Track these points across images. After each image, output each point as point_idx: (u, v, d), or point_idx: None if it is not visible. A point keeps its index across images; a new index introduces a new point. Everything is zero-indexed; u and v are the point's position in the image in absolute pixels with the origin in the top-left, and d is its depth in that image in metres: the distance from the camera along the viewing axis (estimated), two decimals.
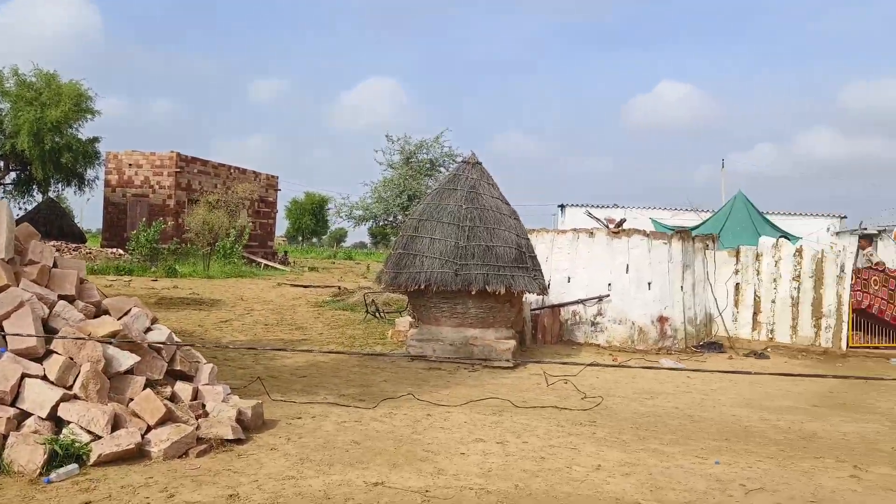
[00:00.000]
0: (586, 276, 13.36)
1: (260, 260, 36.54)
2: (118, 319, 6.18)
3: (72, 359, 5.49)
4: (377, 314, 15.31)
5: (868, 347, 13.58)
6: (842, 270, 13.40)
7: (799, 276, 13.59)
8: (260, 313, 15.77)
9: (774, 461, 6.14)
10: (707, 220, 21.06)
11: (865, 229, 22.22)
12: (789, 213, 25.92)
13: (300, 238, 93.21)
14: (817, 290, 13.50)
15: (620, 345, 13.07)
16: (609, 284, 13.21)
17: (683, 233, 13.81)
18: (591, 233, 13.52)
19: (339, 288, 24.74)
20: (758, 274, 13.85)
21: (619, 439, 6.66)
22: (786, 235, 18.90)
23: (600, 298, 13.14)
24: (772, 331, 13.72)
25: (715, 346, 13.44)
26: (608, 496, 5.01)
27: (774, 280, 13.72)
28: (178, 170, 35.94)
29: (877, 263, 14.07)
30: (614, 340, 13.14)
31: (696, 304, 13.72)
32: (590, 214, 20.77)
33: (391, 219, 13.56)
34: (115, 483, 4.81)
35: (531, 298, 12.64)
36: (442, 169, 13.19)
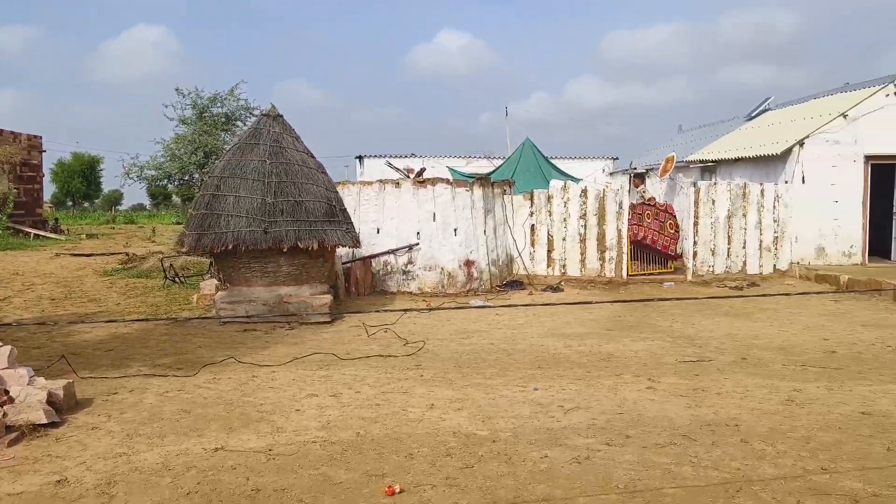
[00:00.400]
0: (395, 226, 13.60)
1: (28, 230, 32.98)
2: None
3: None
4: (176, 279, 14.53)
5: (645, 274, 15.20)
6: (620, 207, 14.79)
7: (585, 214, 14.80)
8: (43, 287, 14.33)
9: (583, 382, 6.79)
10: (500, 166, 22.16)
11: (636, 168, 24.51)
12: (570, 157, 27.88)
13: (70, 203, 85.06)
14: (601, 226, 14.81)
15: (432, 290, 13.53)
16: (417, 233, 13.56)
17: (483, 180, 14.45)
18: (398, 184, 13.73)
19: (127, 255, 23.06)
20: (550, 215, 14.90)
21: (445, 378, 6.99)
22: (569, 178, 20.43)
23: (410, 247, 13.46)
24: (564, 266, 14.89)
25: (516, 284, 14.35)
26: (445, 431, 5.29)
27: (564, 219, 14.85)
28: None
29: (649, 199, 15.69)
30: (425, 287, 13.57)
31: (499, 247, 14.51)
32: (390, 165, 21.01)
33: (187, 177, 12.77)
34: None
35: (342, 252, 12.65)
36: (239, 123, 12.61)
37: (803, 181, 15.34)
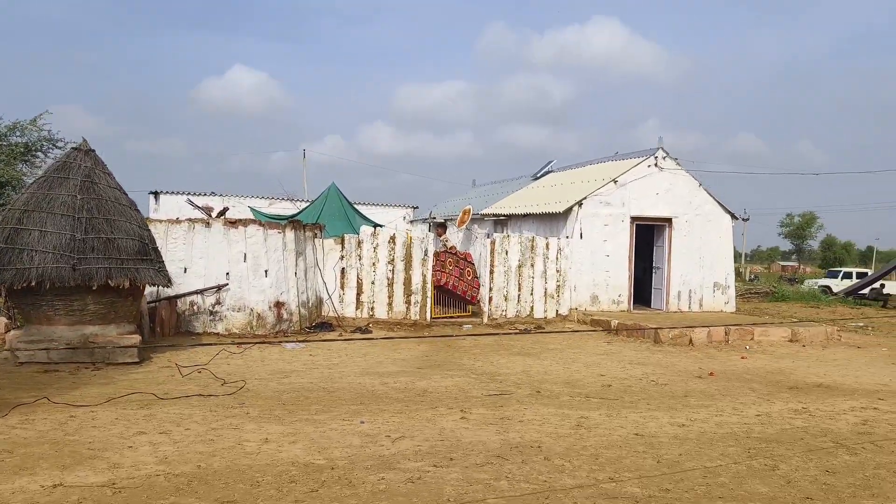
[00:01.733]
0: (203, 265, 13.49)
1: None
2: None
3: None
4: None
5: (446, 317, 16.27)
6: (425, 254, 15.79)
7: (393, 259, 15.62)
8: None
9: (404, 415, 7.41)
10: (304, 209, 22.48)
11: (434, 218, 26.04)
12: (372, 203, 28.83)
13: None
14: (407, 272, 15.69)
15: (240, 331, 13.53)
16: (227, 273, 13.54)
17: (295, 222, 14.78)
18: (208, 223, 13.66)
19: None
20: (360, 259, 15.53)
21: (272, 415, 7.28)
22: (373, 224, 21.27)
23: (219, 288, 13.40)
24: (372, 308, 15.54)
25: (326, 326, 14.74)
26: (284, 461, 5.64)
27: (374, 264, 15.55)
28: None
29: (451, 247, 16.88)
30: (233, 328, 13.54)
31: (309, 289, 14.85)
32: (191, 202, 20.59)
33: None
34: None
35: (147, 291, 12.32)
36: (40, 154, 11.90)
37: (581, 237, 17.37)
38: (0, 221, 10.07)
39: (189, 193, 24.01)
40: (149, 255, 10.58)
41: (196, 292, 13.30)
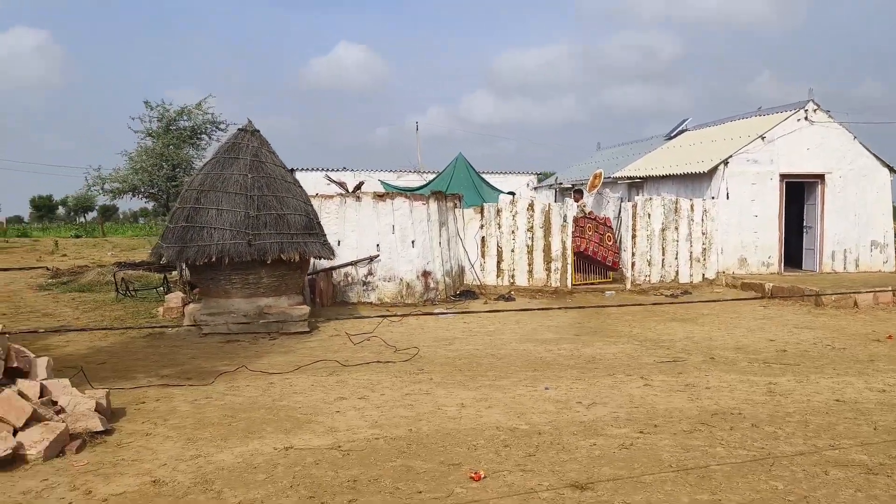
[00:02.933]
0: (355, 238, 13.91)
1: None
2: None
3: None
4: (128, 293, 14.30)
5: (587, 284, 16.12)
6: (564, 220, 15.65)
7: (532, 227, 15.58)
8: None
9: (584, 381, 7.42)
10: (432, 180, 22.72)
11: (561, 184, 25.72)
12: (495, 172, 28.79)
13: None
14: (546, 239, 15.62)
15: (391, 300, 13.92)
16: (377, 245, 13.92)
17: (438, 194, 14.97)
18: (358, 197, 14.07)
19: (48, 268, 22.20)
20: (499, 227, 15.59)
21: (454, 381, 7.46)
22: (499, 192, 21.25)
23: (371, 259, 13.81)
24: (513, 276, 15.61)
25: (470, 294, 14.93)
26: (489, 426, 5.77)
27: (513, 231, 15.57)
28: None
29: (589, 213, 16.65)
30: (385, 297, 13.94)
31: (452, 258, 15.06)
32: (328, 178, 21.23)
33: (154, 190, 12.60)
34: (11, 492, 4.40)
35: None
36: (205, 136, 12.62)
37: (727, 197, 16.69)
38: (179, 202, 10.75)
39: (325, 169, 24.76)
40: (314, 229, 11.01)
41: (350, 263, 13.75)
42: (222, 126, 13.01)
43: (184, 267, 12.72)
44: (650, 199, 16.36)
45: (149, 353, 9.14)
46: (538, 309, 12.72)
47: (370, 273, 13.96)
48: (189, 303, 11.91)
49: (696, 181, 17.51)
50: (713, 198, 16.77)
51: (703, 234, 16.62)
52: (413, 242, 14.10)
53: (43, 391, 5.68)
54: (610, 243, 16.42)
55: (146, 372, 7.97)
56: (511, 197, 15.95)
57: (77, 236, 50.37)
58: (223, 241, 10.10)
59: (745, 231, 16.79)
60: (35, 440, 4.94)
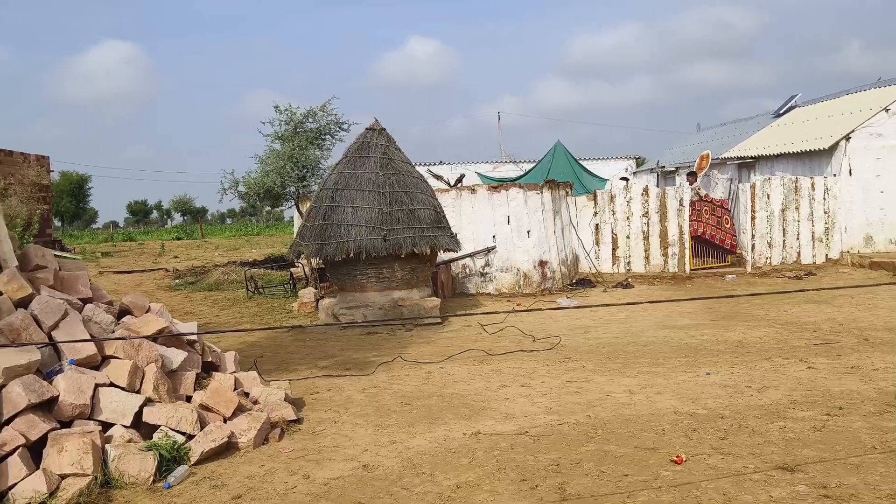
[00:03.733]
0: (471, 230, 14.09)
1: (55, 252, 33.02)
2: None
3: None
4: (257, 290, 14.93)
5: (705, 268, 15.81)
6: (681, 204, 15.38)
7: (647, 212, 15.39)
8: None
9: (742, 366, 7.33)
10: (530, 169, 22.70)
11: (663, 167, 25.25)
12: (592, 158, 28.50)
13: (59, 223, 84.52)
14: (662, 223, 15.40)
15: (509, 291, 14.04)
16: (493, 236, 14.06)
17: (551, 182, 14.98)
18: (473, 190, 14.23)
19: (167, 270, 23.36)
20: (613, 213, 15.47)
21: (608, 368, 7.50)
22: (599, 179, 21.03)
23: (489, 250, 13.96)
24: (629, 262, 15.47)
25: (586, 283, 14.89)
26: (666, 411, 5.80)
27: (628, 217, 15.42)
28: None
29: (705, 195, 16.31)
30: (503, 287, 14.08)
31: (566, 246, 15.06)
32: (431, 173, 21.51)
33: (285, 191, 13.15)
34: (236, 476, 4.72)
35: None
36: (328, 137, 13.04)
37: (850, 173, 16.05)
38: (315, 201, 11.16)
39: (428, 164, 25.11)
40: (441, 223, 11.23)
41: (469, 255, 13.93)
42: (345, 126, 13.43)
43: (309, 263, 13.16)
44: (768, 178, 15.88)
45: (299, 346, 9.54)
46: (686, 300, 12.57)
47: (487, 264, 14.12)
48: (321, 298, 12.33)
49: (814, 158, 16.89)
50: (835, 175, 16.15)
51: (826, 212, 16.04)
52: (528, 232, 14.15)
53: (236, 383, 6.04)
54: (727, 226, 16.05)
55: (305, 364, 8.34)
56: (625, 182, 15.79)
57: (178, 238, 52.62)
58: (360, 237, 10.42)
59: (870, 208, 16.11)
60: (243, 429, 5.27)
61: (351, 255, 10.41)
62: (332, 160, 13.60)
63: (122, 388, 5.02)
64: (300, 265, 14.78)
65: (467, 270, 14.16)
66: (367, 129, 11.39)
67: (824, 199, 16.00)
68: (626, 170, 28.73)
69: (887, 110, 16.09)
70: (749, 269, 15.53)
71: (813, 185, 15.92)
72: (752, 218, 15.58)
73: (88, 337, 5.04)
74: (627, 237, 15.45)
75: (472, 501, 4.20)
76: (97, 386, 4.89)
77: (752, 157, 19.54)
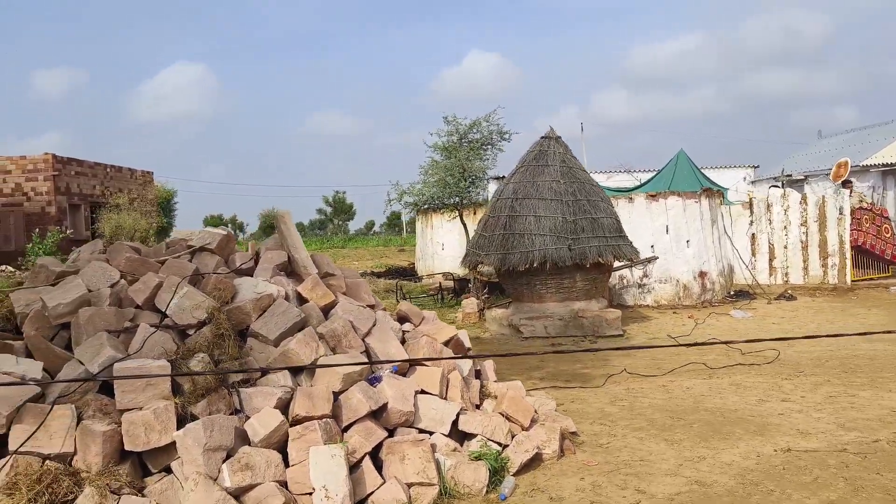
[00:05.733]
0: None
1: None
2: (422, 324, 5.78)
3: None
4: (405, 298, 14.96)
5: (866, 279, 15.09)
6: (840, 213, 14.74)
7: (805, 221, 14.80)
8: None
9: None
10: (651, 178, 22.17)
11: (790, 175, 24.36)
12: (710, 167, 27.75)
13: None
14: (822, 233, 14.78)
15: (668, 302, 13.67)
16: (651, 246, 13.72)
17: (708, 191, 14.58)
18: (630, 198, 13.96)
19: None
20: (770, 223, 14.94)
21: (856, 382, 7.13)
22: (720, 188, 20.40)
23: (649, 260, 13.61)
24: (786, 273, 14.90)
25: (746, 294, 14.38)
26: None
27: (785, 227, 14.87)
28: (56, 173, 32.66)
29: (867, 204, 15.60)
30: (661, 299, 13.72)
31: (723, 257, 14.59)
32: None
33: (452, 201, 13.18)
34: (565, 489, 4.59)
35: None
36: (489, 147, 13.04)
37: None
38: (491, 211, 11.08)
39: None
40: (622, 231, 11.01)
41: (629, 265, 13.62)
42: (506, 136, 13.38)
43: (473, 273, 13.11)
44: None
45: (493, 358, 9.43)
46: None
47: (645, 275, 13.79)
48: (485, 308, 12.24)
49: None
50: None
51: None
52: (688, 242, 13.78)
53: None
54: (888, 235, 15.30)
55: (516, 375, 8.20)
56: (781, 190, 15.24)
57: None
58: (545, 246, 10.28)
59: None
60: (543, 440, 5.14)
61: (535, 264, 10.28)
62: (495, 171, 13.57)
63: (435, 396, 4.96)
64: (447, 275, 14.73)
65: (624, 281, 13.87)
66: (542, 137, 11.27)
67: None
68: (745, 179, 27.85)
69: None
70: None
71: None
72: None
73: (399, 344, 5.01)
74: (785, 247, 14.89)
75: None
76: (416, 393, 4.84)
77: None
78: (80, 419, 4.05)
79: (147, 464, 4.15)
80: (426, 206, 13.34)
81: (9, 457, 3.82)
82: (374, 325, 5.09)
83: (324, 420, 4.36)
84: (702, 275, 13.83)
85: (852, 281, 14.84)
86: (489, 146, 13.10)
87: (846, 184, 16.65)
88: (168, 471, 4.13)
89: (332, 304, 5.24)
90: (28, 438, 3.83)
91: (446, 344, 5.52)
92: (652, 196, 13.98)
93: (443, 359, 4.95)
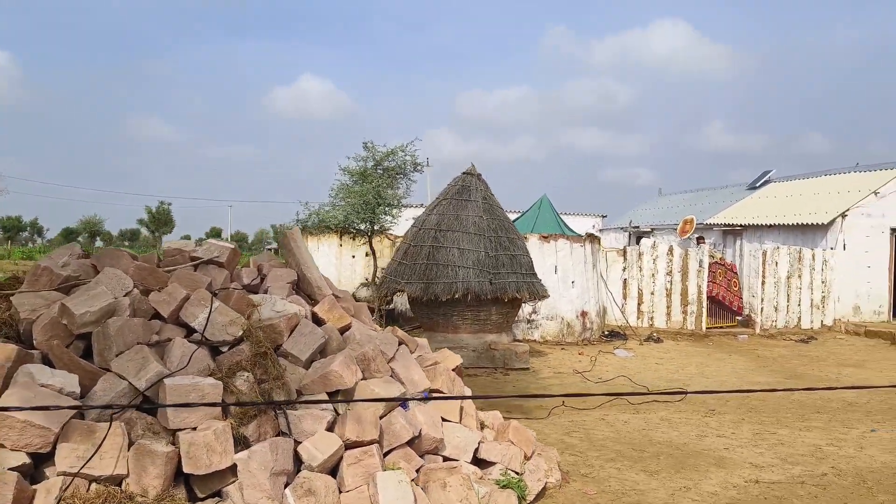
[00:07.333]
0: None
1: None
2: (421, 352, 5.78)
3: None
4: None
5: (717, 327, 16.72)
6: (700, 265, 16.29)
7: (671, 271, 16.20)
8: None
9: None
10: (516, 219, 23.29)
11: (637, 227, 26.49)
12: (564, 213, 29.44)
13: None
14: (684, 282, 16.24)
15: (553, 339, 14.37)
16: None
17: (591, 236, 15.55)
18: (526, 237, 14.55)
19: None
20: (640, 270, 16.18)
21: (765, 420, 7.94)
22: (575, 234, 21.86)
23: (540, 297, 14.23)
24: (651, 317, 16.17)
25: (618, 335, 15.42)
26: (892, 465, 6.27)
27: (653, 275, 16.18)
28: None
29: (719, 258, 17.33)
30: (547, 335, 14.39)
31: (600, 299, 15.58)
32: None
33: (363, 226, 12.94)
34: None
35: None
36: (400, 177, 13.04)
37: (844, 248, 17.52)
38: (412, 240, 11.15)
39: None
40: (532, 269, 11.49)
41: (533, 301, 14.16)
42: (419, 167, 13.50)
43: (379, 300, 13.02)
44: (777, 247, 17.10)
45: None
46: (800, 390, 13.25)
47: (534, 311, 14.41)
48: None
49: (808, 232, 18.33)
50: (831, 248, 17.58)
51: (823, 282, 17.38)
52: (573, 283, 14.60)
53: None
54: (735, 288, 17.08)
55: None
56: (652, 241, 16.57)
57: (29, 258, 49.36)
58: (468, 278, 10.52)
59: (859, 281, 17.60)
60: (545, 469, 5.31)
61: (457, 295, 10.48)
62: (407, 200, 13.63)
63: (456, 423, 4.99)
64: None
65: (516, 317, 14.38)
66: (464, 173, 11.57)
67: (822, 269, 17.37)
68: (594, 227, 29.89)
69: (876, 193, 17.78)
70: (758, 330, 16.56)
71: (814, 256, 17.27)
72: (763, 283, 16.69)
73: (421, 371, 5.00)
74: (652, 293, 16.17)
75: None
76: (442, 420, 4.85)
77: (740, 225, 20.93)
78: (130, 439, 3.68)
79: (194, 488, 3.84)
80: (340, 228, 13.16)
81: (57, 478, 3.39)
82: (397, 350, 5.04)
83: (374, 445, 4.27)
84: (583, 314, 14.69)
85: (707, 328, 16.40)
86: (402, 175, 13.22)
87: (700, 240, 18.44)
88: (216, 495, 3.85)
89: (348, 327, 5.13)
90: (88, 460, 3.42)
91: (454, 371, 5.55)
92: (544, 237, 14.70)
93: (466, 397, 4.99)
